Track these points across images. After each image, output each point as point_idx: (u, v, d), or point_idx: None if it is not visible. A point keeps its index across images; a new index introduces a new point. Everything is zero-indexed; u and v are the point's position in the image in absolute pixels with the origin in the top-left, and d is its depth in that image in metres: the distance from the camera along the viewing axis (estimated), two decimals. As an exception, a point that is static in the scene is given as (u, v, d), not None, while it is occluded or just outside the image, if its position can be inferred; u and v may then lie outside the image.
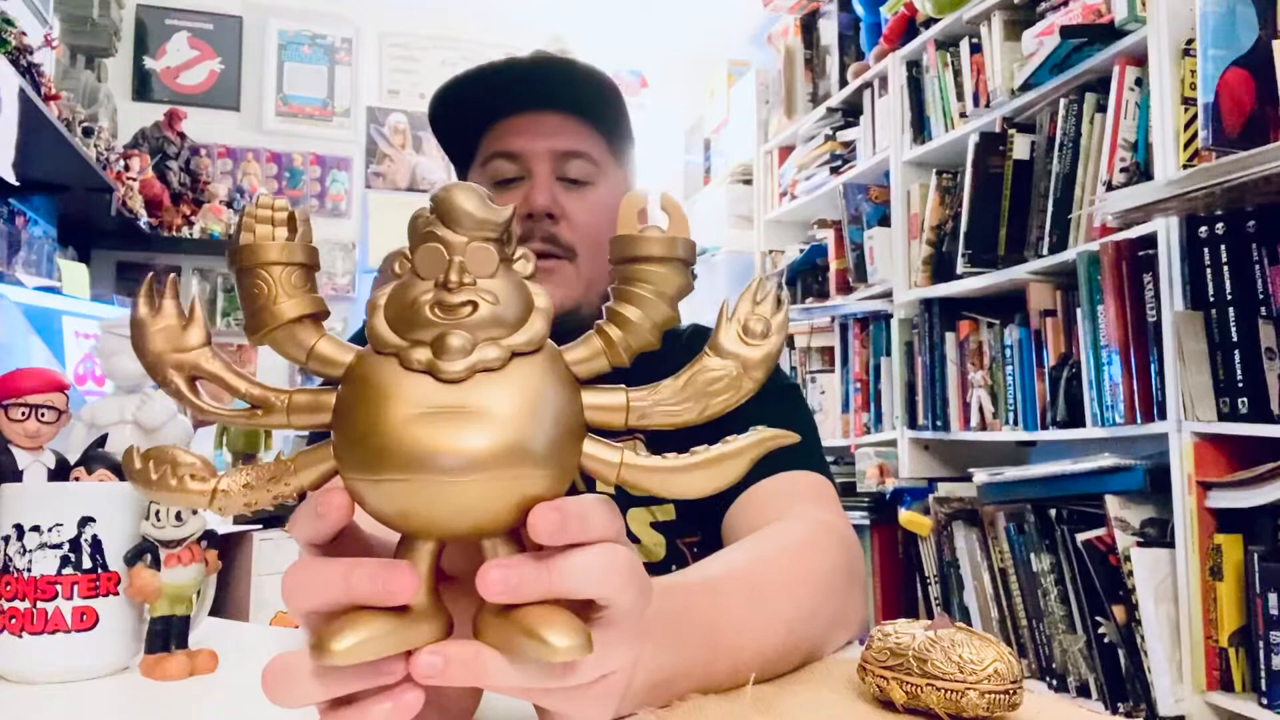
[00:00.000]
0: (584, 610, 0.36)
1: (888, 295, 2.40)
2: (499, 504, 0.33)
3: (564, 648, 0.32)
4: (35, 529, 0.62)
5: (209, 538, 0.66)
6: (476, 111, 0.88)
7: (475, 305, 0.34)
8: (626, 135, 0.92)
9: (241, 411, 0.36)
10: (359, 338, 0.89)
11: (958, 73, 2.20)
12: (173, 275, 0.37)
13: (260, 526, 2.18)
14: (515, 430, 0.32)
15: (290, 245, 0.35)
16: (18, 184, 1.72)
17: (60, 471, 0.71)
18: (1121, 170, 1.72)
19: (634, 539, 0.85)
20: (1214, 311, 1.53)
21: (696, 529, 0.86)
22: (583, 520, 0.34)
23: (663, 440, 0.37)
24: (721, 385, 0.36)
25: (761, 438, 0.36)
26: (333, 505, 0.35)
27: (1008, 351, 2.02)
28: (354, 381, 0.34)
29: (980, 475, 1.94)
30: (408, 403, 0.32)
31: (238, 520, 2.08)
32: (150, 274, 0.38)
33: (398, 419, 0.32)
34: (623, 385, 0.36)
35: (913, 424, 2.29)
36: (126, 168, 2.88)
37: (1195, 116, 1.58)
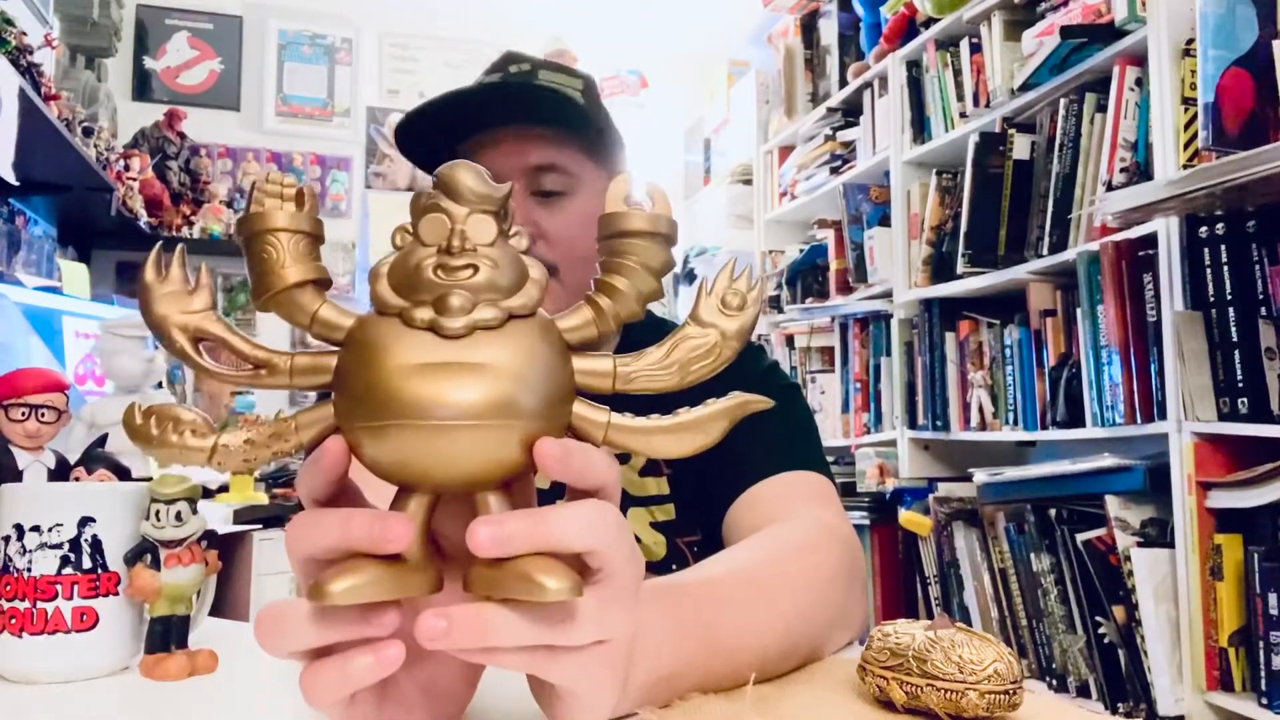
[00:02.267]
0: (581, 573, 0.37)
1: (888, 295, 2.40)
2: (493, 454, 0.35)
3: (554, 588, 0.34)
4: (35, 529, 0.62)
5: (209, 538, 0.66)
6: (442, 137, 0.87)
7: (475, 268, 0.36)
8: (605, 136, 0.90)
9: (245, 373, 0.37)
10: None
11: (958, 73, 2.20)
12: (181, 245, 0.38)
13: (260, 526, 2.18)
14: (511, 384, 0.34)
15: (298, 214, 0.37)
16: (18, 184, 1.72)
17: (60, 471, 0.71)
18: (1121, 170, 1.72)
19: (635, 539, 0.85)
20: (1214, 311, 1.53)
21: (696, 528, 0.86)
22: (585, 457, 0.36)
23: (643, 409, 0.38)
24: (701, 353, 0.38)
25: (740, 400, 0.38)
26: (329, 451, 0.36)
27: (1008, 351, 2.02)
28: (356, 342, 0.36)
29: (980, 475, 1.94)
30: (409, 356, 0.34)
31: (238, 520, 2.08)
32: (159, 243, 0.39)
33: (400, 370, 0.34)
34: (609, 353, 0.38)
35: (913, 424, 2.29)
36: (126, 168, 2.88)
37: (1195, 116, 1.58)
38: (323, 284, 0.38)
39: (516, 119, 0.85)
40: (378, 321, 0.36)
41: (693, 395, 0.39)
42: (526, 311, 0.36)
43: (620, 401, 0.38)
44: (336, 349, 0.37)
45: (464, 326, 0.35)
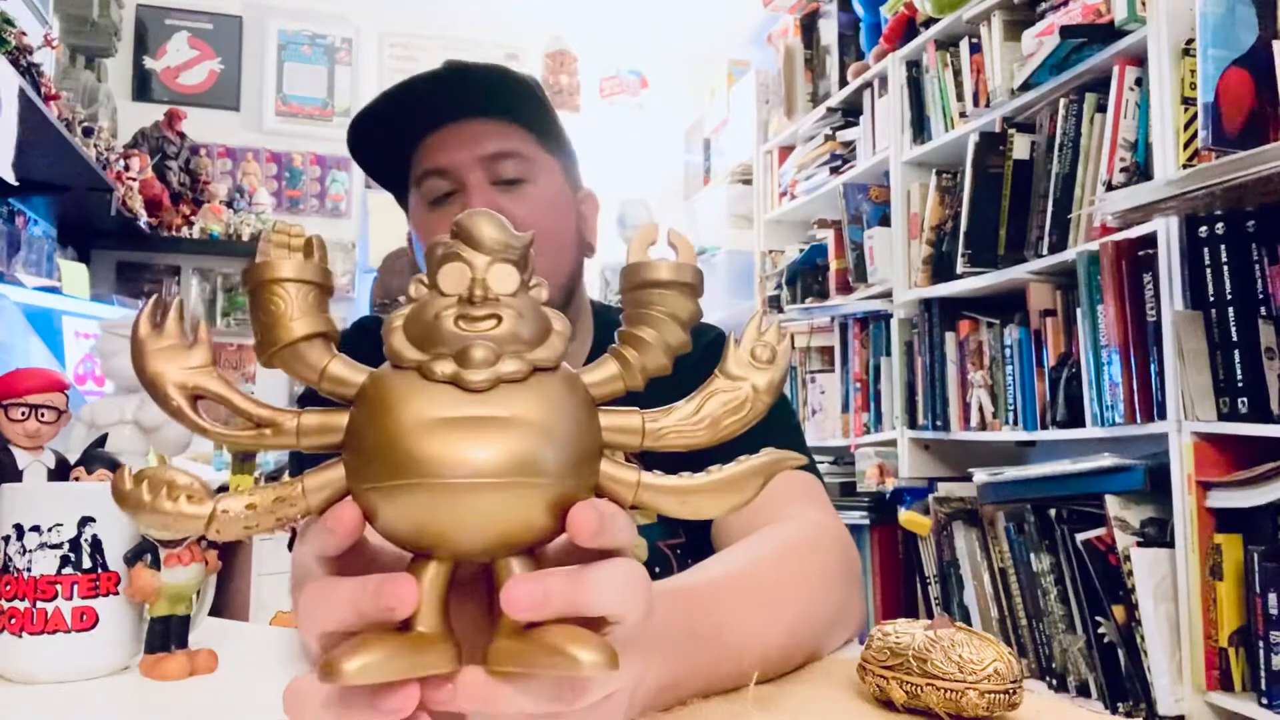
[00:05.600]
0: (591, 628, 0.36)
1: (888, 295, 2.40)
2: (518, 516, 0.33)
3: (590, 661, 0.32)
4: (35, 529, 0.62)
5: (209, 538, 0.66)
6: (393, 138, 0.87)
7: (499, 319, 0.34)
8: (552, 124, 0.90)
9: (248, 433, 0.35)
10: (353, 334, 0.89)
11: (958, 73, 2.20)
12: (179, 298, 0.36)
13: (260, 526, 2.18)
14: (538, 440, 0.33)
15: (305, 264, 0.35)
16: (18, 184, 1.72)
17: (60, 471, 0.71)
18: (1121, 170, 1.72)
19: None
20: (1214, 311, 1.53)
21: (679, 532, 0.86)
22: (615, 523, 0.35)
23: (660, 463, 0.38)
24: (733, 408, 0.37)
25: (776, 458, 0.37)
26: (343, 519, 0.34)
27: (1008, 351, 2.02)
28: (370, 399, 0.34)
29: (980, 475, 1.94)
30: (429, 410, 0.32)
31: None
32: (155, 295, 0.37)
33: (420, 426, 0.32)
34: (636, 408, 0.37)
35: (913, 424, 2.29)
36: (126, 168, 2.88)
37: (1195, 116, 1.58)
38: (331, 337, 0.36)
39: (468, 110, 0.84)
40: (393, 376, 0.34)
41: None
42: (551, 364, 0.35)
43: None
44: (347, 406, 0.35)
45: (488, 379, 0.33)
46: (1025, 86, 1.93)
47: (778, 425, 0.85)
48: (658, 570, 0.84)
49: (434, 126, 0.85)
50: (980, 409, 2.07)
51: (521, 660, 0.33)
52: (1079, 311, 1.79)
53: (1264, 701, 1.43)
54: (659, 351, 0.37)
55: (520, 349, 0.34)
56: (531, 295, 0.36)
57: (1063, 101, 1.86)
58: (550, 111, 0.89)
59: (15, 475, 0.68)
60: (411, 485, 0.32)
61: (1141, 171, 1.71)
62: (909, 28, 2.39)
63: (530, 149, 0.87)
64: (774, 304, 2.94)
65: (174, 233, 3.21)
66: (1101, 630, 1.69)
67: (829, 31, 2.83)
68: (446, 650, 0.34)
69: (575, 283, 0.90)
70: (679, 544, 0.86)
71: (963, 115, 2.18)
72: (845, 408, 2.60)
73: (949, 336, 2.19)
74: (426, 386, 0.33)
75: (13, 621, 0.62)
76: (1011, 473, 1.88)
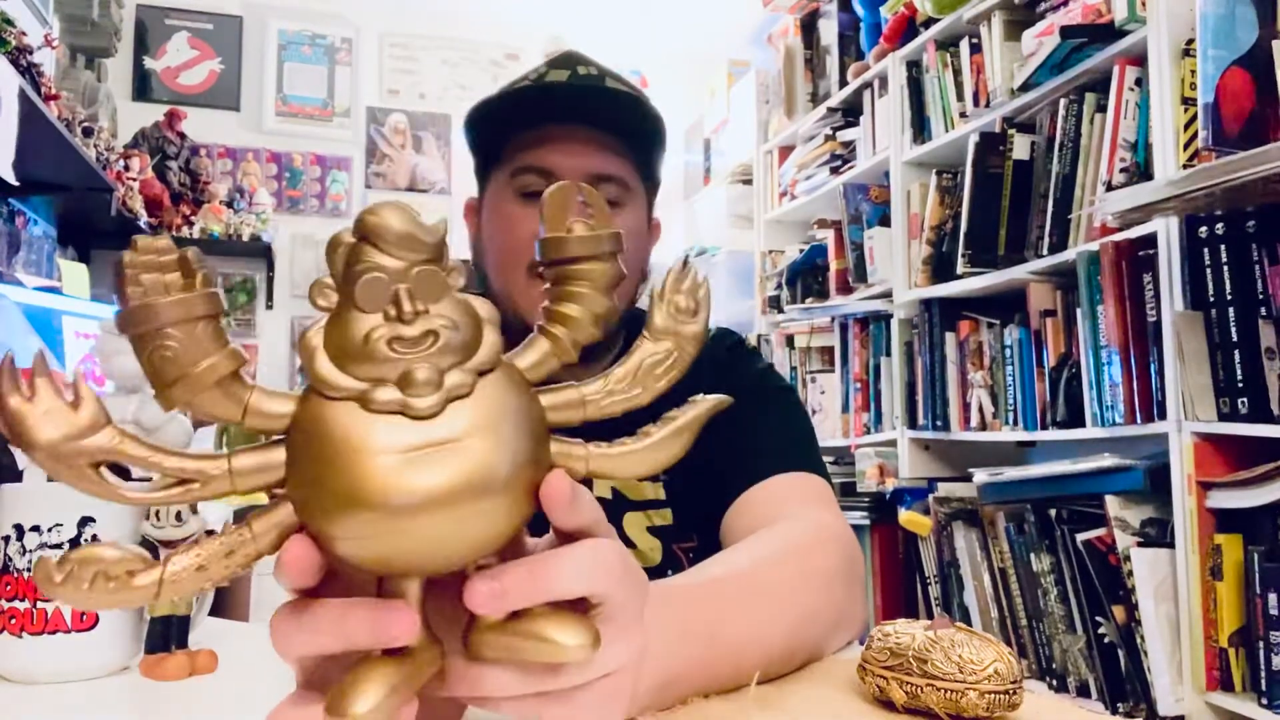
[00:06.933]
0: (578, 609, 0.36)
1: (888, 295, 2.40)
2: (485, 530, 0.32)
3: (573, 645, 0.32)
4: (35, 529, 0.62)
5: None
6: (513, 119, 0.86)
7: (435, 335, 0.32)
8: (658, 158, 0.91)
9: (174, 490, 0.32)
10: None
11: (958, 73, 2.20)
12: (39, 351, 0.31)
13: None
14: (493, 452, 0.31)
15: (188, 299, 0.31)
16: (18, 184, 1.72)
17: (60, 471, 0.70)
18: (1121, 170, 1.72)
19: (630, 544, 0.85)
20: (1214, 311, 1.53)
21: (693, 533, 0.86)
22: (582, 495, 0.35)
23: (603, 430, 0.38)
24: (665, 366, 0.37)
25: (700, 408, 0.37)
26: (298, 558, 0.32)
27: (1008, 351, 2.02)
28: (307, 434, 0.32)
29: (980, 475, 1.94)
30: (383, 450, 0.30)
31: (238, 520, 2.08)
32: (6, 356, 0.31)
33: (378, 470, 0.30)
34: (572, 381, 0.36)
35: (913, 424, 2.29)
36: (126, 168, 2.88)
37: (1195, 116, 1.58)
38: (240, 368, 0.32)
39: (590, 121, 0.84)
40: (328, 408, 0.31)
41: (666, 400, 0.38)
42: (492, 364, 0.33)
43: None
44: (280, 439, 0.32)
45: (437, 403, 0.31)
46: (1025, 86, 1.93)
47: (788, 431, 0.84)
48: (670, 572, 0.84)
49: (550, 122, 0.85)
50: (980, 409, 2.07)
51: (505, 650, 0.33)
52: (1079, 311, 1.79)
53: (1264, 701, 1.43)
54: (586, 324, 0.36)
55: (460, 358, 0.32)
56: (452, 285, 0.33)
57: (1063, 101, 1.86)
58: (663, 145, 0.90)
59: (15, 475, 0.68)
60: (373, 521, 0.30)
61: (1141, 171, 1.71)
62: (909, 28, 2.39)
63: (631, 177, 0.87)
64: (774, 304, 2.94)
65: (174, 233, 3.21)
66: (1101, 630, 1.69)
67: (829, 31, 2.83)
68: (433, 654, 0.34)
69: (631, 311, 0.89)
70: (692, 546, 0.86)
71: (963, 115, 2.18)
72: (845, 408, 2.60)
73: (949, 336, 2.19)
74: (369, 419, 0.31)
75: (13, 621, 0.62)
76: (1011, 473, 1.88)
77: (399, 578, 0.34)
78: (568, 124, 0.84)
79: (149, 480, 0.32)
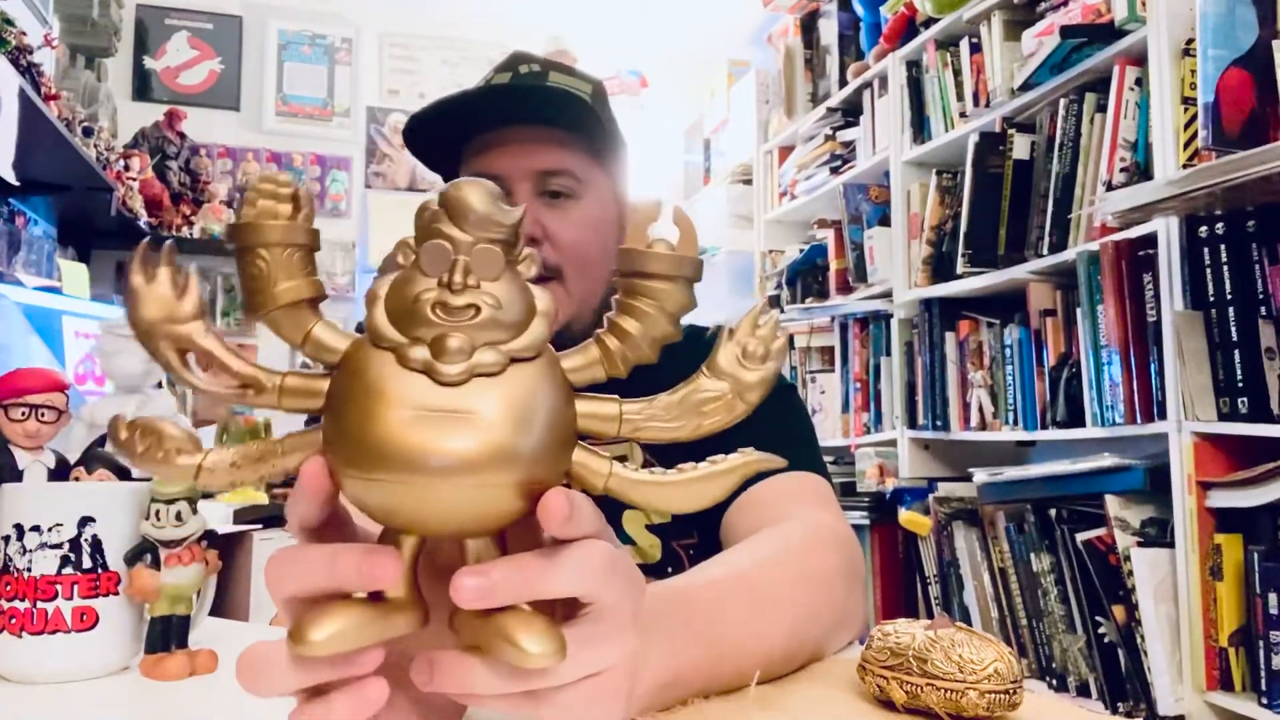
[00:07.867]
0: (570, 607, 0.36)
1: (888, 295, 2.40)
2: (487, 508, 0.33)
3: (536, 654, 0.33)
4: (35, 529, 0.62)
5: (209, 538, 0.66)
6: (451, 136, 0.87)
7: (477, 309, 0.33)
8: (612, 140, 0.90)
9: (233, 390, 0.35)
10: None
11: (958, 73, 2.20)
12: (169, 243, 0.36)
13: (260, 526, 2.18)
14: (508, 436, 0.32)
15: (292, 226, 0.35)
16: (18, 184, 1.72)
17: (60, 471, 0.71)
18: (1121, 170, 1.72)
19: (629, 541, 0.85)
20: (1214, 311, 1.53)
21: (693, 531, 0.86)
22: (583, 511, 0.35)
23: (655, 451, 0.37)
24: (715, 406, 0.36)
25: (749, 460, 0.37)
26: (307, 475, 0.34)
27: (1008, 351, 2.02)
28: (348, 372, 0.34)
29: (980, 475, 1.94)
30: (402, 402, 0.32)
31: (238, 520, 2.08)
32: (145, 240, 0.37)
33: (390, 419, 0.32)
34: (617, 396, 0.36)
35: (913, 424, 2.29)
36: (126, 168, 2.88)
37: (1195, 116, 1.58)
38: (317, 300, 0.36)
39: (527, 119, 0.85)
40: (372, 354, 0.33)
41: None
42: (531, 353, 0.34)
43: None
44: (329, 372, 0.35)
45: (462, 373, 0.32)
46: (1025, 86, 1.93)
47: (789, 431, 0.84)
48: (670, 570, 0.84)
49: (493, 127, 0.85)
50: (980, 409, 2.07)
51: (477, 638, 0.34)
52: (1079, 311, 1.79)
53: (1264, 701, 1.43)
54: (643, 344, 0.36)
55: (498, 339, 0.33)
56: (519, 272, 0.35)
57: (1063, 101, 1.86)
58: (606, 128, 0.89)
59: (15, 475, 0.68)
60: (380, 471, 0.32)
61: (1141, 171, 1.71)
62: (909, 28, 2.39)
63: (584, 167, 0.87)
64: (774, 304, 2.94)
65: (174, 233, 3.21)
66: (1101, 630, 1.69)
67: (829, 31, 2.83)
68: (414, 613, 0.35)
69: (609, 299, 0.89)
70: (692, 544, 0.86)
71: (963, 115, 2.18)
72: (845, 408, 2.60)
73: (949, 336, 2.19)
74: (400, 373, 0.32)
75: (13, 621, 0.62)
76: (1011, 473, 1.88)
77: (398, 532, 0.35)
78: (511, 125, 0.85)
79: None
